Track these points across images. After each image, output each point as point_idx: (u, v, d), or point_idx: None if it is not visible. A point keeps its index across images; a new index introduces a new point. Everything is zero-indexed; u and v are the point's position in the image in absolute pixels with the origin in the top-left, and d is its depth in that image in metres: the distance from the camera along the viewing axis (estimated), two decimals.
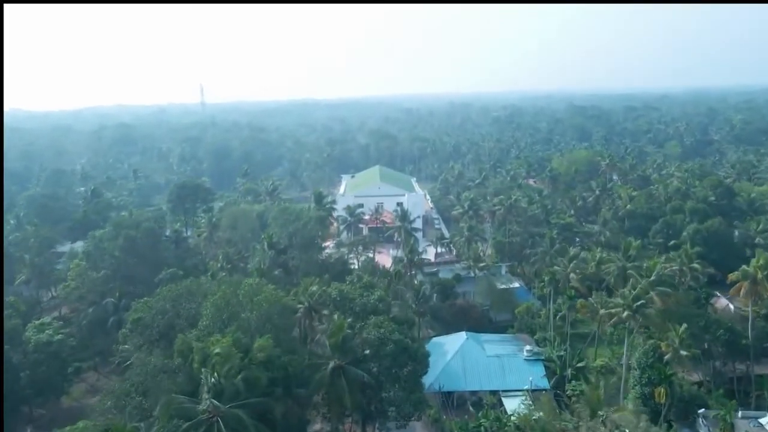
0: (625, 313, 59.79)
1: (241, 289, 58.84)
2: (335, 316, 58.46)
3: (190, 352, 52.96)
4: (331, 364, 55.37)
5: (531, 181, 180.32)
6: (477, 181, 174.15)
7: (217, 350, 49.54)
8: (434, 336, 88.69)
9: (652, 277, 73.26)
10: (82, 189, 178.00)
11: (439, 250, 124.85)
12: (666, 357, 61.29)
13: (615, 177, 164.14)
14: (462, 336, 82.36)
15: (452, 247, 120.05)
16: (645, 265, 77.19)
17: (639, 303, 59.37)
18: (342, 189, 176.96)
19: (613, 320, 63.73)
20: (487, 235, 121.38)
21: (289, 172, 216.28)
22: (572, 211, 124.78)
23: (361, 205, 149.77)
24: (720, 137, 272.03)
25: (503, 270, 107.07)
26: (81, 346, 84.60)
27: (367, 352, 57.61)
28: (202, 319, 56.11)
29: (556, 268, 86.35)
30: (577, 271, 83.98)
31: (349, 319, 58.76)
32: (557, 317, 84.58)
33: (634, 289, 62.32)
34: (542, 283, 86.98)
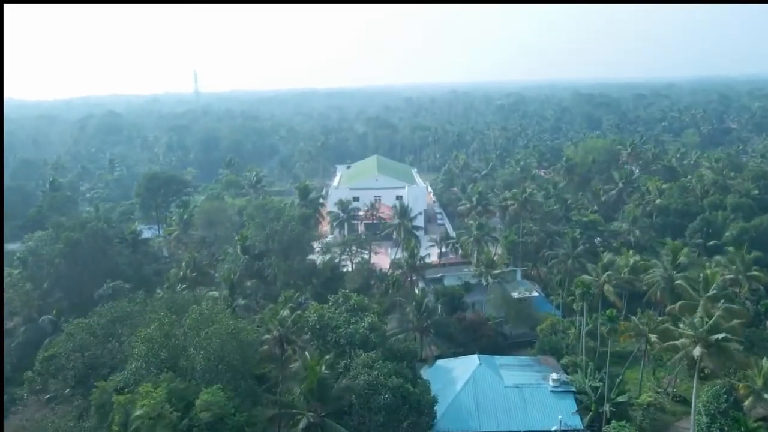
0: (698, 350, 45.27)
1: (186, 318, 44.32)
2: (309, 353, 43.99)
3: (112, 408, 38.75)
4: (304, 421, 41.08)
5: (541, 172, 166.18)
6: (483, 172, 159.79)
7: (140, 412, 35.22)
8: (439, 356, 74.57)
9: (711, 292, 58.83)
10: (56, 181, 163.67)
11: (443, 249, 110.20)
12: (745, 403, 46.90)
13: (635, 168, 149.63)
14: (473, 360, 68.04)
15: (459, 248, 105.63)
16: (702, 275, 62.53)
17: (720, 337, 44.63)
18: (336, 181, 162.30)
19: (678, 356, 49.20)
20: (497, 234, 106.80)
21: (281, 162, 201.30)
22: (595, 207, 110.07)
23: (356, 199, 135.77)
24: (739, 125, 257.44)
25: (518, 275, 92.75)
26: (17, 370, 70.52)
27: (353, 398, 43.35)
28: (131, 361, 41.66)
29: (586, 277, 71.85)
30: (614, 281, 69.51)
31: (329, 356, 44.37)
32: (583, 332, 70.19)
33: (709, 318, 47.47)
34: (571, 297, 72.47)
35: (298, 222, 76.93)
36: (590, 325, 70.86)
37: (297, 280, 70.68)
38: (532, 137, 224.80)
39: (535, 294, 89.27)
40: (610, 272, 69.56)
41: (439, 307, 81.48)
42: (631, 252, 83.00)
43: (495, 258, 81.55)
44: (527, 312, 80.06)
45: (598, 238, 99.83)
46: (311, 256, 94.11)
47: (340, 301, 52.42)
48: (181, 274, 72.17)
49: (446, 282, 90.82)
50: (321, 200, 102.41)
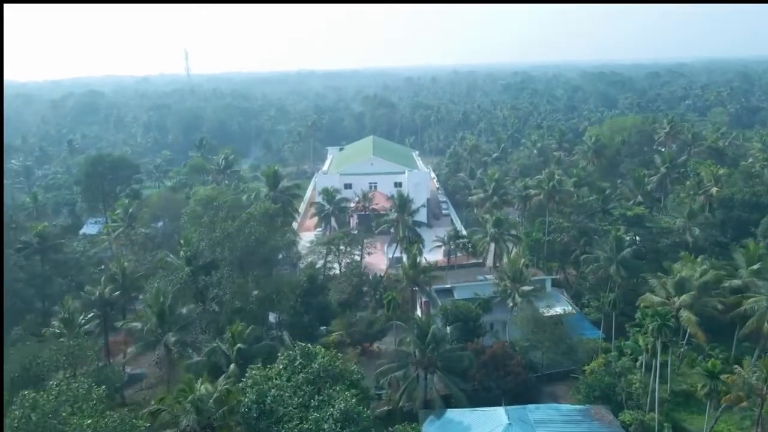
0: None
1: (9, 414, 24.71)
2: None
3: None
4: None
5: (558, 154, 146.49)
6: (495, 155, 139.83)
7: None
8: (447, 398, 55.43)
9: None
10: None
11: (452, 247, 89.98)
12: None
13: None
14: (500, 417, 48.84)
15: (470, 246, 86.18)
16: None
17: None
18: (326, 165, 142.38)
19: None
20: (518, 230, 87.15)
21: (264, 144, 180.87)
22: (639, 197, 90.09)
23: (348, 186, 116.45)
24: None
25: (548, 284, 73.13)
26: None
27: None
28: None
29: (653, 297, 52.41)
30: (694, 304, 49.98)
31: None
32: (655, 379, 50.79)
33: None
34: (635, 327, 52.96)
35: (261, 220, 56.94)
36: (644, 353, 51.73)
37: (257, 301, 51.15)
38: (546, 116, 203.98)
39: (572, 310, 69.93)
40: (692, 293, 49.85)
41: (449, 330, 62.36)
42: (699, 259, 63.42)
43: (522, 265, 61.49)
44: (566, 339, 60.59)
45: (634, 237, 79.79)
46: (287, 259, 74.98)
47: (297, 363, 32.64)
48: (97, 293, 52.64)
49: (457, 294, 71.31)
50: (291, 191, 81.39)
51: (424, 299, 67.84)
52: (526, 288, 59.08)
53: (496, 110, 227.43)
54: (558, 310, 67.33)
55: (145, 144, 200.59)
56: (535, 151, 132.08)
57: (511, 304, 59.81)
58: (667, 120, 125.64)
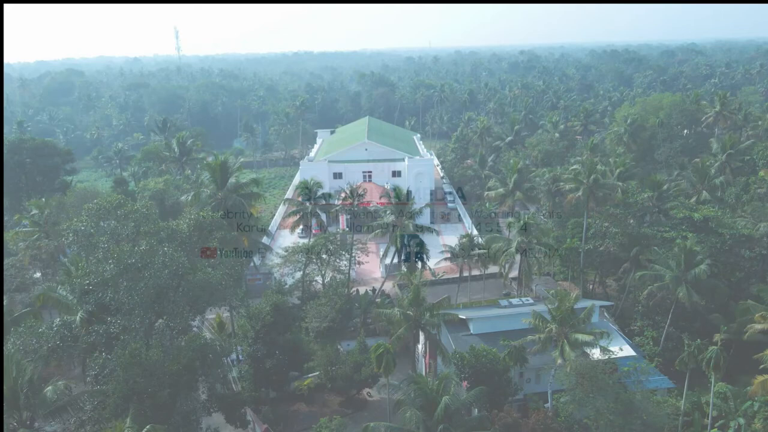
0: None
1: None
2: None
3: None
4: None
5: (578, 137, 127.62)
6: (508, 139, 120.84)
7: None
8: None
9: None
10: None
11: (464, 255, 70.99)
12: None
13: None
14: None
15: (487, 255, 67.88)
16: None
17: None
18: (314, 151, 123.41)
19: None
20: (550, 237, 68.57)
21: (245, 126, 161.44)
22: (706, 194, 71.24)
23: (338, 176, 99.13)
24: None
25: (596, 314, 54.47)
26: None
27: None
28: None
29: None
30: None
31: None
32: None
33: None
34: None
35: (188, 240, 38.09)
36: None
37: (168, 376, 32.65)
38: (563, 95, 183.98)
39: (632, 352, 51.56)
40: None
41: (464, 387, 44.21)
42: None
43: (574, 301, 42.68)
44: (637, 406, 42.07)
45: (718, 245, 61.49)
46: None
47: None
48: None
49: (474, 328, 53.13)
50: (255, 187, 62.41)
51: (429, 345, 49.38)
52: (581, 337, 40.41)
53: (505, 90, 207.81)
54: (614, 349, 48.70)
55: (118, 126, 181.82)
56: (557, 135, 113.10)
57: (558, 359, 41.16)
58: (718, 97, 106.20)
